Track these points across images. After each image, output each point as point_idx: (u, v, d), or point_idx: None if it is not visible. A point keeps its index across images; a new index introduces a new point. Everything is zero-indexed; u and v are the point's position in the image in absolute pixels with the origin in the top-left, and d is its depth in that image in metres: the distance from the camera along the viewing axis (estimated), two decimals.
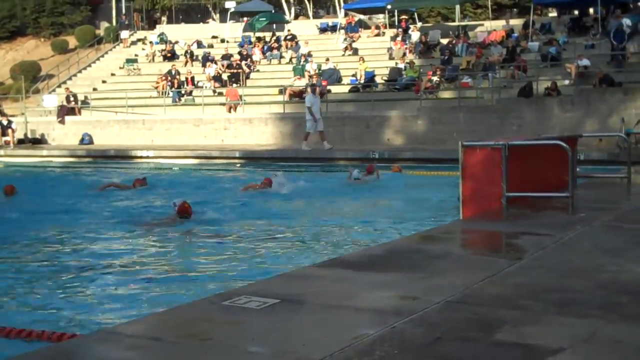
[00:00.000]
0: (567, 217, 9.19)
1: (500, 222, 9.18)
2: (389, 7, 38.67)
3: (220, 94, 33.52)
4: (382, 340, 4.35)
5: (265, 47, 38.24)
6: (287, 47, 38.07)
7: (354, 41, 37.46)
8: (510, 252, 7.35)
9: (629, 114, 24.02)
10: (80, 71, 40.28)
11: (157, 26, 46.18)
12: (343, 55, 36.21)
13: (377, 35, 39.08)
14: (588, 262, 6.51)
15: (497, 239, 8.23)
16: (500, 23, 37.60)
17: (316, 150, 25.87)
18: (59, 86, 38.22)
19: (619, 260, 6.53)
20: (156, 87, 34.92)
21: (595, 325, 4.61)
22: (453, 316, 4.86)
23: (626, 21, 29.51)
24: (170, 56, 38.84)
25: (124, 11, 47.48)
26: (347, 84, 32.17)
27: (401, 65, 32.40)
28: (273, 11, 41.82)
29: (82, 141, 31.80)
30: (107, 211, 14.85)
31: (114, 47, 42.99)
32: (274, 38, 39.31)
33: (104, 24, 47.32)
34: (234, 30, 41.19)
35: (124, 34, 43.34)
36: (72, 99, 34.22)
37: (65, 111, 33.40)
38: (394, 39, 36.37)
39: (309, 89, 27.58)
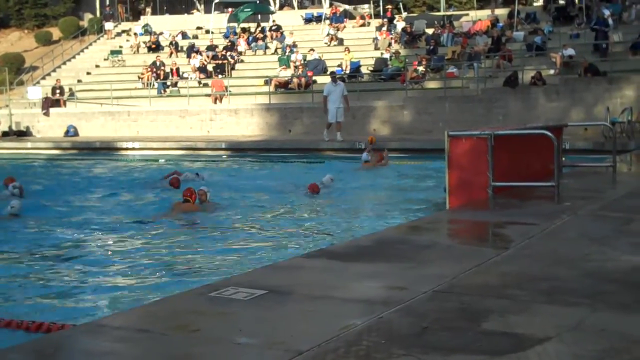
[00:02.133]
0: (553, 206, 9.22)
1: (487, 211, 9.20)
2: None
3: (206, 85, 33.44)
4: (369, 330, 4.35)
5: (250, 38, 38.14)
6: (272, 37, 37.99)
7: (339, 31, 37.42)
8: (496, 242, 7.37)
9: (614, 103, 24.13)
10: (64, 63, 40.09)
11: (142, 17, 45.93)
12: (328, 45, 36.18)
13: (362, 25, 39.06)
14: (574, 251, 6.53)
15: (484, 229, 8.25)
16: (486, 13, 37.67)
17: (304, 140, 25.87)
18: (44, 78, 38.05)
19: (605, 248, 6.56)
20: (141, 79, 34.78)
21: (581, 313, 4.62)
22: (440, 306, 4.87)
23: (605, 11, 29.64)
24: (155, 47, 38.69)
25: (107, 2, 47.22)
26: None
27: (387, 56, 32.41)
28: (258, 1, 41.67)
29: (67, 133, 31.69)
30: (102, 204, 14.84)
31: (98, 38, 42.80)
32: (259, 29, 39.22)
33: (88, 15, 47.09)
34: (218, 21, 41.05)
35: (108, 25, 43.13)
36: (57, 90, 34.05)
37: (49, 103, 33.24)
38: (379, 29, 36.36)
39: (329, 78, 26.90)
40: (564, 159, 12.71)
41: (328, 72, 32.25)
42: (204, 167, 20.77)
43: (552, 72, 27.75)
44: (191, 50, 36.66)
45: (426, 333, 4.31)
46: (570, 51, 28.09)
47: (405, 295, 5.08)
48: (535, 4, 39.43)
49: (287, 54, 34.95)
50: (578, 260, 6.16)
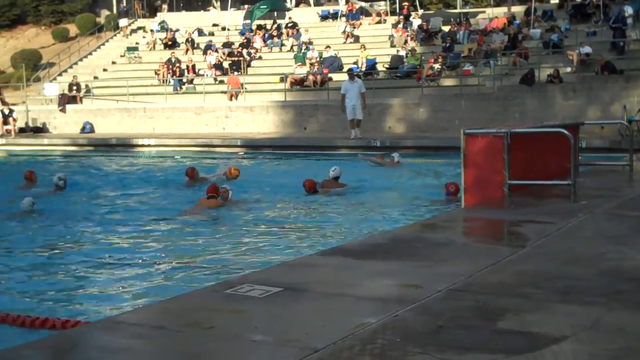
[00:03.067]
0: (569, 205, 9.18)
1: (503, 210, 9.17)
2: None
3: (222, 82, 33.46)
4: (384, 329, 4.35)
5: (266, 35, 38.16)
6: (288, 34, 37.99)
7: (355, 28, 37.37)
8: (512, 240, 7.36)
9: (630, 102, 24.01)
10: (81, 59, 40.19)
11: (158, 14, 45.98)
12: (344, 42, 36.13)
13: (379, 22, 38.98)
14: (590, 249, 6.51)
15: (499, 227, 8.23)
16: (502, 10, 37.50)
17: (320, 138, 25.86)
18: (60, 74, 38.19)
19: (622, 247, 6.53)
20: (157, 75, 34.85)
21: (598, 313, 4.61)
22: (456, 304, 4.86)
23: (627, 8, 29.45)
24: (171, 44, 38.74)
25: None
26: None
27: (402, 53, 32.33)
28: None
29: (83, 130, 31.79)
30: (124, 200, 14.92)
31: (115, 35, 42.88)
32: (275, 26, 39.21)
33: (105, 12, 47.22)
34: (234, 18, 41.06)
35: (123, 22, 43.17)
36: (74, 87, 34.18)
37: (66, 99, 33.37)
38: (395, 26, 36.29)
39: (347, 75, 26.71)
40: (580, 157, 12.64)
41: (344, 70, 32.30)
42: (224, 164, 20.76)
43: (568, 70, 27.63)
44: (207, 47, 36.69)
45: (441, 331, 4.31)
46: (587, 49, 27.96)
47: (421, 293, 5.08)
48: (552, 2, 39.20)
49: (302, 51, 34.93)
50: (594, 259, 6.14)
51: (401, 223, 10.94)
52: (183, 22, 42.70)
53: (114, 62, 39.01)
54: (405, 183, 16.30)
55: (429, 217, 10.61)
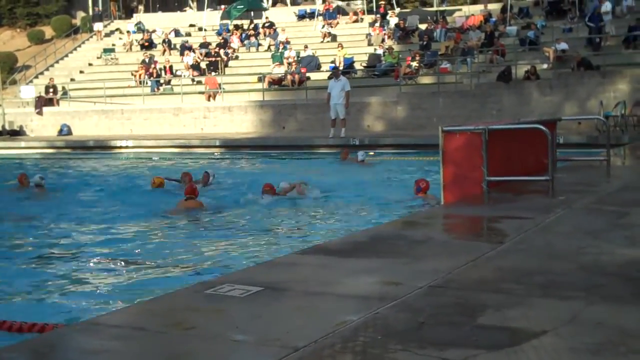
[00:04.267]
0: (547, 200, 9.23)
1: (482, 206, 9.21)
2: None
3: (199, 82, 33.41)
4: (365, 326, 4.35)
5: (243, 35, 38.10)
6: (265, 34, 37.95)
7: (332, 27, 37.40)
8: (491, 236, 7.38)
9: (607, 97, 24.15)
10: (57, 61, 40.02)
11: (134, 15, 45.83)
12: (322, 42, 36.17)
13: (356, 21, 39.05)
14: (569, 244, 6.54)
15: (479, 223, 8.26)
16: (478, 8, 37.70)
17: (298, 137, 25.86)
18: (37, 77, 37.97)
19: (600, 242, 6.56)
20: (134, 77, 34.72)
21: (577, 307, 4.63)
22: (436, 301, 4.87)
23: (606, 5, 29.61)
24: (148, 45, 38.62)
25: (99, 2, 46.98)
26: (326, 71, 32.11)
27: (380, 51, 32.39)
28: None
29: (60, 132, 31.65)
30: (100, 202, 14.84)
31: (91, 36, 42.71)
32: (252, 26, 39.17)
33: (81, 14, 47.00)
34: (211, 19, 40.99)
35: (98, 26, 42.90)
36: (51, 89, 34.00)
37: (43, 102, 33.19)
38: (372, 24, 36.38)
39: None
40: (557, 153, 12.70)
41: (322, 69, 32.31)
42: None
43: (545, 66, 27.78)
44: (184, 47, 36.59)
45: (422, 328, 4.32)
46: (563, 45, 28.12)
47: (401, 290, 5.08)
48: None
49: (280, 50, 34.93)
50: (573, 253, 6.16)
51: (375, 221, 10.97)
52: (159, 22, 42.59)
53: (90, 64, 38.84)
54: (377, 181, 16.30)
55: (403, 214, 10.63)
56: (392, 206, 12.82)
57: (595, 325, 4.30)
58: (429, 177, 13.57)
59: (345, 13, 40.49)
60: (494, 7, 37.11)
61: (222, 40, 37.21)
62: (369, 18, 38.46)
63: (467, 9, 38.31)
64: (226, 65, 34.95)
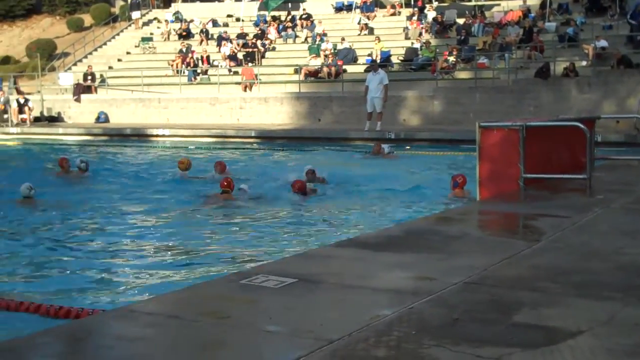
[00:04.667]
0: (584, 199, 9.15)
1: (518, 203, 9.14)
2: None
3: (236, 73, 33.47)
4: (400, 321, 4.34)
5: (281, 27, 38.12)
6: (302, 26, 37.94)
7: (369, 20, 37.29)
8: (528, 234, 7.33)
9: None
10: (95, 49, 40.28)
11: (172, 4, 45.99)
12: (359, 34, 36.05)
13: (393, 14, 38.86)
14: (607, 244, 6.47)
15: (515, 221, 8.20)
16: (517, 3, 37.27)
17: (334, 129, 25.84)
18: (75, 64, 38.27)
19: (638, 242, 6.50)
20: (171, 66, 34.89)
21: (614, 308, 4.58)
22: (471, 297, 4.84)
23: None
24: (186, 35, 38.76)
25: None
26: (363, 64, 32.03)
27: (417, 45, 32.24)
28: None
29: (98, 119, 31.89)
30: (138, 190, 14.97)
31: (130, 25, 42.93)
32: (289, 17, 39.17)
33: (120, 2, 47.24)
34: (249, 9, 41.04)
35: (135, 14, 43.08)
36: (89, 76, 34.27)
37: (81, 89, 33.46)
38: (410, 18, 36.19)
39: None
40: (595, 151, 12.57)
41: (358, 62, 32.23)
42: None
43: (584, 63, 27.49)
44: (221, 38, 36.69)
45: (457, 324, 4.30)
46: (602, 43, 27.79)
47: (436, 286, 5.06)
48: None
49: (317, 42, 34.89)
50: (610, 253, 6.10)
51: (409, 216, 10.95)
52: (197, 12, 42.68)
53: (128, 53, 39.06)
54: (411, 175, 16.25)
55: (440, 210, 10.58)
56: (427, 201, 12.78)
57: (632, 327, 4.26)
58: (462, 172, 13.52)
59: (382, 6, 40.32)
60: (533, 2, 36.72)
61: (259, 31, 37.26)
62: (406, 11, 38.27)
63: (505, 4, 37.94)
64: (263, 57, 34.99)
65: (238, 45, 35.72)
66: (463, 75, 29.55)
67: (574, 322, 4.30)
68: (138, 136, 27.76)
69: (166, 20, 41.32)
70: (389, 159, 18.83)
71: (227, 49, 35.27)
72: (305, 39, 36.59)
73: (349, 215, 12.18)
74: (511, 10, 35.31)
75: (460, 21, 34.56)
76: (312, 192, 13.69)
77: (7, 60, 43.19)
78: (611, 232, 7.04)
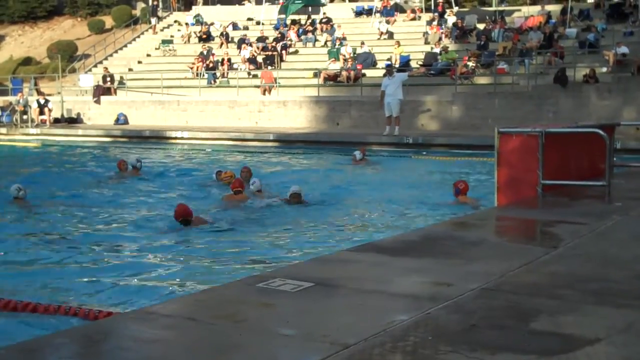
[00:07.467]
0: (603, 206, 9.10)
1: (536, 209, 9.11)
2: None
3: (255, 76, 33.53)
4: (416, 326, 4.33)
5: (300, 30, 38.17)
6: (322, 30, 37.97)
7: (389, 25, 37.27)
8: (546, 241, 7.29)
9: None
10: (116, 51, 40.50)
11: (193, 7, 46.16)
12: (378, 39, 36.04)
13: (413, 19, 38.83)
14: (625, 252, 6.44)
15: (533, 227, 8.16)
16: (538, 9, 37.21)
17: (352, 134, 25.82)
18: (95, 66, 38.48)
19: None
20: (191, 69, 35.00)
21: (632, 316, 4.56)
22: (488, 303, 4.83)
23: None
24: (206, 38, 38.89)
25: None
26: (382, 68, 32.00)
27: (437, 50, 32.19)
28: None
29: (117, 121, 32.03)
30: (155, 193, 15.05)
31: (150, 27, 43.12)
32: (309, 21, 39.23)
33: (141, 5, 47.46)
34: (269, 13, 41.15)
35: (154, 20, 43.23)
36: (108, 78, 34.45)
37: (101, 91, 33.64)
38: (429, 23, 36.14)
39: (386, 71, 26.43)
40: (615, 158, 12.50)
41: (378, 66, 32.20)
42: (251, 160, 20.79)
43: (604, 70, 27.36)
44: (241, 41, 36.77)
45: (474, 330, 4.28)
46: (623, 49, 27.65)
47: (453, 291, 5.05)
48: (588, 1, 38.82)
49: (336, 46, 34.91)
50: (629, 261, 6.07)
51: (414, 223, 10.97)
52: (218, 15, 42.82)
53: (148, 55, 39.23)
54: (434, 180, 16.23)
55: (461, 215, 10.55)
56: (431, 208, 12.70)
57: None
58: (474, 178, 13.45)
59: (402, 10, 40.30)
60: (554, 8, 36.62)
61: (279, 35, 37.32)
62: (426, 16, 38.22)
63: (526, 10, 37.86)
64: (282, 60, 35.05)
65: (258, 48, 35.80)
66: (482, 80, 29.48)
67: (592, 329, 4.28)
68: (157, 138, 27.88)
69: (187, 23, 41.50)
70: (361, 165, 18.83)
71: (246, 52, 35.35)
72: (325, 42, 36.63)
73: (362, 220, 12.18)
74: (532, 16, 35.23)
75: (481, 26, 34.49)
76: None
77: (28, 61, 43.46)
78: (630, 239, 7.00)
